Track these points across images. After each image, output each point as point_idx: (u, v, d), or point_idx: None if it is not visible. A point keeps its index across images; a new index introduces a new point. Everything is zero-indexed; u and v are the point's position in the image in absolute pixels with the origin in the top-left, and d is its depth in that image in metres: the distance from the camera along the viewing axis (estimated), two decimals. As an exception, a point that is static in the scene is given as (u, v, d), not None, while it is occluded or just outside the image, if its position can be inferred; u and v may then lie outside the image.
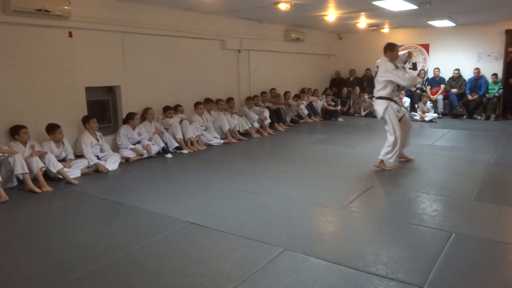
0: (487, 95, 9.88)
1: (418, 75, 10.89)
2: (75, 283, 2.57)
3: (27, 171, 4.50)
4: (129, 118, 6.08)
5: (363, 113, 10.79)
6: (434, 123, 9.41)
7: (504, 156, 5.93)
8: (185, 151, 6.49)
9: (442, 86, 10.45)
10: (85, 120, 5.54)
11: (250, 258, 2.85)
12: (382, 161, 5.25)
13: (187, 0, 6.52)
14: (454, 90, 10.22)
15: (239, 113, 7.94)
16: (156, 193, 4.46)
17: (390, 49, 5.14)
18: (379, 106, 5.18)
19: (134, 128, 6.08)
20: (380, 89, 5.16)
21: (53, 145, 5.15)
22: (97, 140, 5.59)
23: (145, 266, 2.77)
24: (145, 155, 6.06)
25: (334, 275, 2.60)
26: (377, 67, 5.22)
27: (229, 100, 8.11)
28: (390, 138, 5.17)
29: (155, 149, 6.21)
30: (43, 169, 4.71)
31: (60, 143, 5.26)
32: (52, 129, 5.16)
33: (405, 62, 5.18)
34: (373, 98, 5.31)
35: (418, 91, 10.64)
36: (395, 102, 5.21)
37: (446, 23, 9.47)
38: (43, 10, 5.03)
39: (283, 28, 9.91)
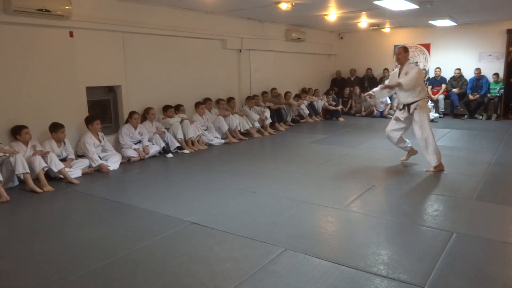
0: (489, 95, 9.86)
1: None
2: (76, 283, 2.57)
3: (28, 170, 4.51)
4: (129, 117, 6.10)
5: (364, 113, 10.79)
6: (435, 122, 9.38)
7: (505, 156, 5.92)
8: (186, 151, 6.49)
9: (443, 85, 10.43)
10: (89, 121, 5.53)
11: (251, 258, 2.85)
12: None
13: (188, 0, 6.52)
14: (455, 90, 10.21)
15: (240, 113, 7.94)
16: (157, 193, 4.46)
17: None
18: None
19: (135, 128, 6.09)
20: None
21: (54, 144, 5.15)
22: (100, 141, 5.59)
23: (146, 266, 2.77)
24: (146, 156, 6.07)
25: (335, 275, 2.59)
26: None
27: (230, 100, 8.11)
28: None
29: (155, 149, 6.22)
30: (46, 168, 4.71)
31: (61, 143, 5.26)
32: (55, 128, 5.17)
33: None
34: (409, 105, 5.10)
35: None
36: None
37: (447, 22, 9.45)
38: (44, 10, 5.04)
39: (284, 28, 9.91)
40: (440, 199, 4.08)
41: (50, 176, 4.87)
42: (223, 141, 7.26)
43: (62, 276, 2.64)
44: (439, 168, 5.11)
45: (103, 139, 5.68)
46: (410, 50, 11.23)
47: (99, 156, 5.48)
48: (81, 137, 5.55)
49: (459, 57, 10.54)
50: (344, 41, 12.35)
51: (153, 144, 6.25)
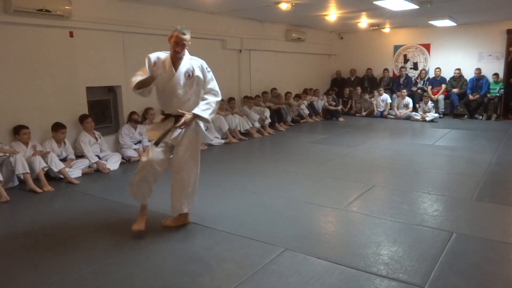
0: (488, 95, 9.86)
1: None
2: (76, 283, 2.57)
3: (28, 170, 4.51)
4: (129, 118, 6.13)
5: (364, 113, 10.79)
6: (435, 123, 9.39)
7: (505, 156, 5.92)
8: (186, 151, 6.48)
9: (443, 86, 10.43)
10: (81, 120, 5.58)
11: (250, 258, 2.85)
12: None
13: (188, 0, 6.52)
14: (455, 90, 10.21)
15: (240, 113, 7.94)
16: (157, 193, 4.44)
17: None
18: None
19: (135, 128, 6.09)
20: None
21: (54, 144, 5.16)
22: (96, 139, 5.60)
23: (146, 266, 2.77)
24: (146, 156, 6.08)
25: (335, 275, 2.59)
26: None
27: (230, 100, 8.11)
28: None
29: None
30: (45, 168, 4.72)
31: (61, 143, 5.27)
32: (56, 127, 5.18)
33: None
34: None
35: (419, 91, 10.63)
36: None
37: (447, 22, 9.45)
38: (44, 10, 5.04)
39: (284, 28, 9.91)
40: (440, 199, 4.08)
41: (50, 176, 4.87)
42: (223, 141, 7.26)
43: (63, 276, 2.64)
44: (182, 221, 3.42)
45: (100, 137, 5.69)
46: (410, 50, 11.45)
47: (98, 156, 5.48)
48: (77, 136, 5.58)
49: (459, 57, 10.54)
50: (344, 41, 12.35)
51: (153, 144, 6.24)
